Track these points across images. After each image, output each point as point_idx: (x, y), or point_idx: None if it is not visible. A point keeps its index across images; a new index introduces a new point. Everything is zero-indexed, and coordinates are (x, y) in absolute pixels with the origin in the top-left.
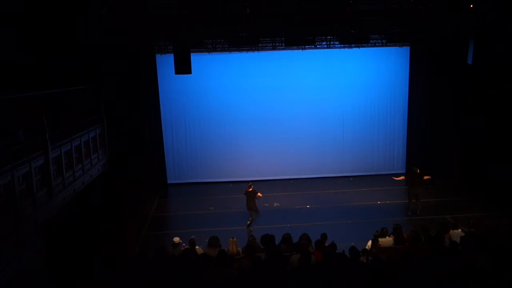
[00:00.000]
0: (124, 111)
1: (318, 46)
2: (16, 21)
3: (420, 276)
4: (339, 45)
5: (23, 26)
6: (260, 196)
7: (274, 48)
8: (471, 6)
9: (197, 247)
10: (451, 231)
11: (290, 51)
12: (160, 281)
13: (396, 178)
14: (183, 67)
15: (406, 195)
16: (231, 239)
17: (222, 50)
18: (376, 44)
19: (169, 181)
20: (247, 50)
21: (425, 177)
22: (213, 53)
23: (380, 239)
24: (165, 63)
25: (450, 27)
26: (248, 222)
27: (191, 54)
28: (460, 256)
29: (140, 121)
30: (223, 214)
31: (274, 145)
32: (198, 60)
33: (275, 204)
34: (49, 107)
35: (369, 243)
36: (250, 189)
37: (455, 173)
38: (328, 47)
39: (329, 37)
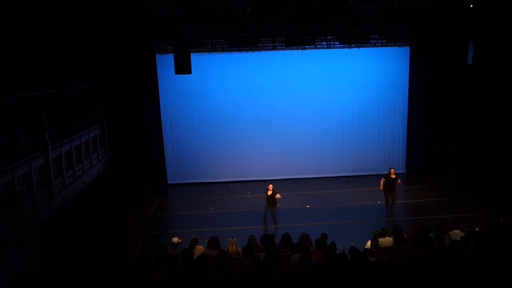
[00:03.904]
0: (124, 111)
1: (318, 46)
2: (16, 20)
3: (420, 276)
4: (339, 45)
5: (23, 26)
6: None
7: (274, 48)
8: (471, 6)
9: (199, 246)
10: (451, 231)
11: (290, 51)
12: (160, 281)
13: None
14: (183, 67)
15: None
16: (230, 239)
17: (222, 50)
18: (376, 44)
19: (169, 181)
20: (247, 50)
21: (398, 182)
22: (213, 53)
23: (380, 239)
24: (165, 63)
25: (450, 27)
26: (275, 226)
27: (191, 54)
28: (460, 256)
29: (140, 121)
30: (223, 214)
31: (274, 145)
32: (198, 60)
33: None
34: (49, 107)
35: (368, 243)
36: (270, 192)
37: (455, 173)
38: (328, 47)
39: (329, 37)
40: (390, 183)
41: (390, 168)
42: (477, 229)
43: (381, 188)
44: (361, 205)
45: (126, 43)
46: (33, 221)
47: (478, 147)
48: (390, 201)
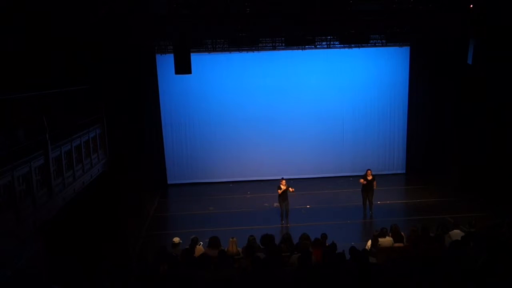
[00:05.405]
0: (124, 111)
1: (318, 46)
2: (16, 20)
3: (420, 277)
4: (339, 45)
5: (23, 26)
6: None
7: (274, 48)
8: (471, 6)
9: (198, 246)
10: (451, 231)
11: (290, 51)
12: (160, 281)
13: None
14: (183, 67)
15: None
16: (230, 239)
17: (222, 50)
18: (376, 44)
19: (169, 182)
20: (247, 50)
21: (374, 184)
22: (213, 53)
23: (380, 239)
24: (165, 63)
25: (450, 27)
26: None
27: (191, 54)
28: (460, 256)
29: (140, 121)
30: (223, 214)
31: (274, 145)
32: (198, 60)
33: (275, 204)
34: (49, 107)
35: (369, 243)
36: (284, 187)
37: (454, 173)
38: (328, 47)
39: (329, 37)
40: (367, 185)
41: (367, 170)
42: (472, 229)
43: (362, 181)
44: (361, 205)
45: (126, 43)
46: (33, 221)
47: (478, 147)
48: (368, 203)
